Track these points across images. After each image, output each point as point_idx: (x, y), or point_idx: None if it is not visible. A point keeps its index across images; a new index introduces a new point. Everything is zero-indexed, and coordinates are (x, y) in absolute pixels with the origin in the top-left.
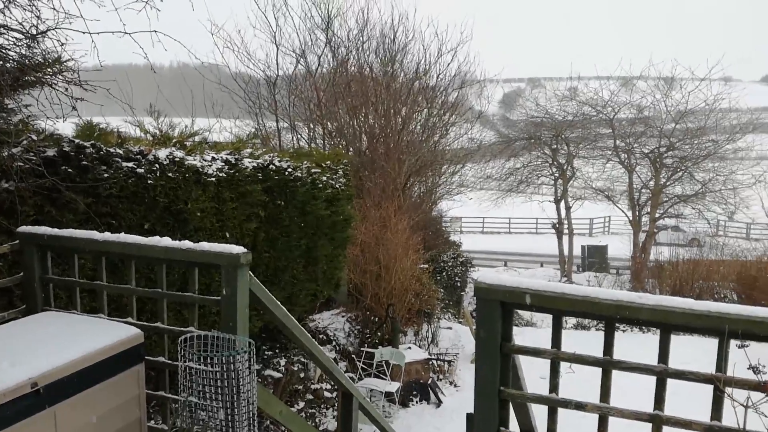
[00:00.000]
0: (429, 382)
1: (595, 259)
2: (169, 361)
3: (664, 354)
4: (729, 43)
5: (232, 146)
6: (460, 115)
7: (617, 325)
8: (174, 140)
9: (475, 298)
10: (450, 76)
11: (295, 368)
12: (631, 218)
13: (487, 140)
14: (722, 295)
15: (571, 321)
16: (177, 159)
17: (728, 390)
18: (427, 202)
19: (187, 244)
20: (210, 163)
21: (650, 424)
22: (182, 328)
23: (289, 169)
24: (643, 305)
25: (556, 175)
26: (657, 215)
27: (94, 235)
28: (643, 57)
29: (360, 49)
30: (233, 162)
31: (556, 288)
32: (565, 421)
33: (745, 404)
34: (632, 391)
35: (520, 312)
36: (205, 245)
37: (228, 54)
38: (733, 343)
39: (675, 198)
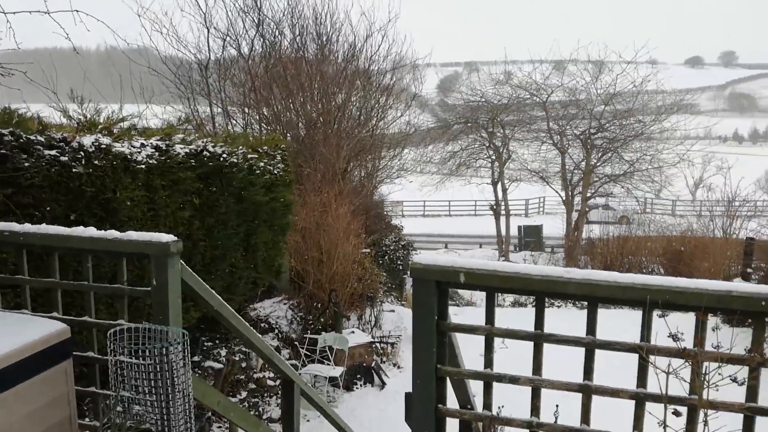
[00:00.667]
0: (373, 364)
1: (532, 238)
2: (100, 356)
3: (591, 326)
4: (655, 26)
5: (162, 132)
6: (397, 98)
7: (553, 301)
8: (100, 126)
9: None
10: (382, 58)
11: (237, 358)
12: (564, 198)
13: (425, 124)
14: (650, 269)
15: (508, 299)
16: (103, 146)
17: (652, 358)
18: (368, 187)
19: (113, 233)
20: (139, 150)
21: (581, 394)
22: (111, 322)
23: (224, 155)
24: (571, 279)
25: (493, 157)
26: (588, 194)
27: (13, 227)
28: (574, 40)
29: (291, 31)
30: (164, 148)
31: (488, 266)
32: (504, 395)
33: (666, 371)
34: (568, 364)
35: (461, 292)
36: (132, 234)
37: (157, 37)
38: (656, 313)
39: (605, 177)
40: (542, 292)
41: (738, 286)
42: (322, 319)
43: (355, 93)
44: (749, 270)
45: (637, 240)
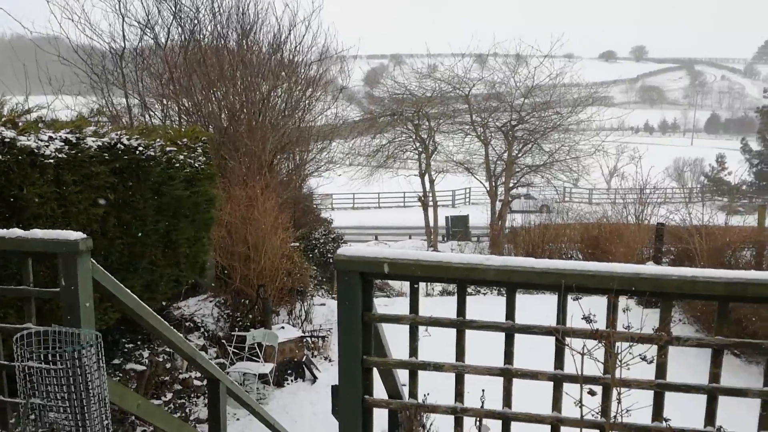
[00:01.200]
0: (304, 359)
1: (459, 228)
2: (6, 363)
3: (511, 311)
4: (570, 21)
5: (72, 125)
6: (324, 90)
7: (479, 288)
8: (3, 119)
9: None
10: (308, 49)
11: (160, 359)
12: (488, 188)
13: (353, 117)
14: (569, 255)
15: (437, 288)
16: (8, 140)
17: (568, 340)
18: (296, 180)
19: (17, 232)
20: (47, 144)
21: (502, 378)
22: (18, 326)
23: (141, 148)
24: (490, 266)
25: (420, 150)
26: (511, 185)
27: None
28: (492, 35)
29: (212, 19)
30: (74, 141)
31: (412, 255)
32: (434, 382)
33: (581, 352)
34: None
35: (391, 283)
36: (38, 232)
37: (67, 24)
38: (571, 297)
39: (526, 168)
40: (463, 280)
41: (645, 268)
42: (250, 316)
43: (280, 84)
44: (660, 254)
45: (557, 227)
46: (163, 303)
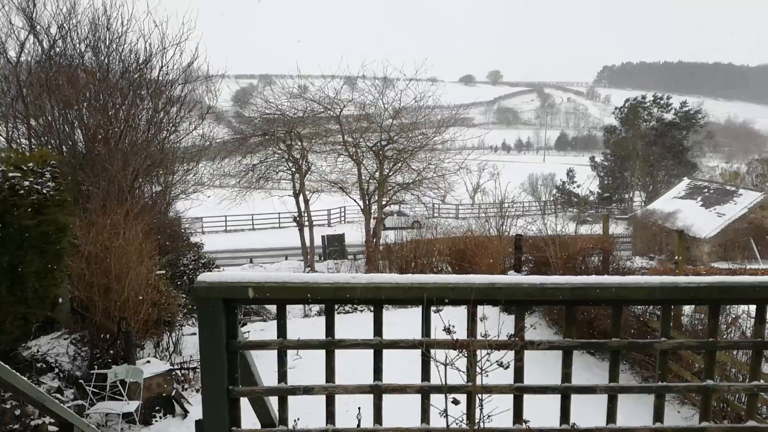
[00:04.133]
0: (173, 394)
1: (335, 247)
2: None
3: (378, 327)
4: (432, 46)
5: None
6: (189, 110)
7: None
8: None
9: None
10: (174, 69)
11: (8, 406)
12: (362, 207)
13: (222, 137)
14: (440, 268)
15: (314, 307)
16: None
17: (434, 351)
18: (162, 204)
19: None
20: None
21: (372, 395)
22: None
23: None
24: (357, 284)
25: (293, 169)
26: (384, 202)
27: None
28: (363, 57)
29: (69, 36)
30: None
31: (277, 278)
32: (311, 404)
33: (445, 362)
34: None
35: (268, 306)
36: None
37: None
38: (433, 309)
39: (397, 186)
40: (331, 300)
41: (500, 279)
42: (111, 351)
43: (142, 105)
44: (520, 263)
45: (428, 242)
46: (11, 344)
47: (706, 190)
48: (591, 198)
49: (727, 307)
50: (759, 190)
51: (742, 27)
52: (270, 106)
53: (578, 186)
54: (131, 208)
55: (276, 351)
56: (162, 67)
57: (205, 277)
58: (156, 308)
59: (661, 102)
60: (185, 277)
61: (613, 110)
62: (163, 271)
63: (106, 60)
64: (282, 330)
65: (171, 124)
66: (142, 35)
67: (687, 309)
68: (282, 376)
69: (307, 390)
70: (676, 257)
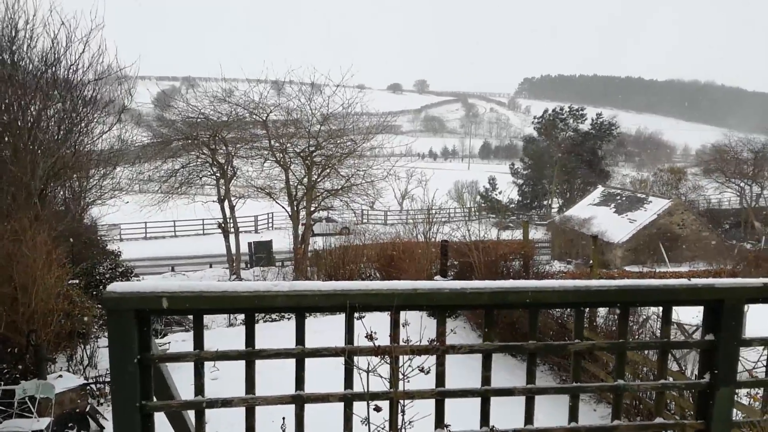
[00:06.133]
0: (87, 409)
1: (262, 254)
2: None
3: (300, 335)
4: (361, 53)
5: None
6: (104, 111)
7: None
8: None
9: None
10: (86, 68)
11: None
12: (290, 213)
13: (142, 140)
14: (368, 274)
15: (239, 316)
16: None
17: (357, 359)
18: (75, 210)
19: None
20: None
21: (294, 405)
22: None
23: None
24: (278, 292)
25: (218, 175)
26: (312, 209)
27: None
28: (289, 62)
29: None
30: None
31: (194, 287)
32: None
33: (367, 369)
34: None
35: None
36: None
37: None
38: (357, 316)
39: (325, 192)
40: (252, 309)
41: (423, 284)
42: (20, 366)
43: (52, 104)
44: (446, 268)
45: (356, 248)
46: None
47: (618, 198)
48: (512, 205)
49: (640, 309)
50: (667, 198)
51: (654, 44)
52: (193, 109)
53: (500, 193)
54: (38, 213)
55: (193, 363)
56: (72, 65)
57: (115, 287)
58: (69, 319)
59: (577, 113)
60: (101, 287)
61: (533, 120)
62: (77, 281)
63: (9, 58)
64: (199, 341)
65: (84, 124)
66: (47, 32)
67: (602, 311)
68: (199, 388)
69: (226, 402)
70: (591, 261)
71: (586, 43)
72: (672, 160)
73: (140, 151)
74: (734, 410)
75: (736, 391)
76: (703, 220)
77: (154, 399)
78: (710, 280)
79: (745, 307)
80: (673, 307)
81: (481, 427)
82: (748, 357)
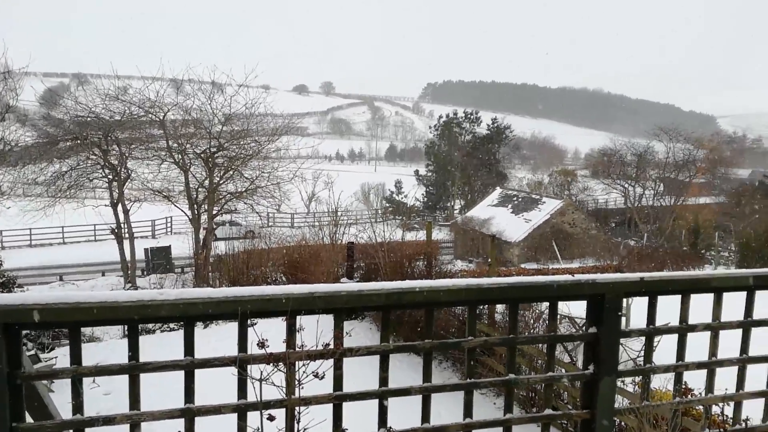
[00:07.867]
0: None
1: (160, 260)
2: None
3: (189, 347)
4: (264, 53)
5: None
6: None
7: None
8: None
9: None
10: None
11: None
12: (191, 217)
13: (26, 141)
14: (274, 279)
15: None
16: None
17: (252, 368)
18: None
19: None
20: None
21: (183, 419)
22: None
23: None
24: (164, 301)
25: (110, 177)
26: (214, 212)
27: None
28: (188, 60)
29: None
30: None
31: (70, 298)
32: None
33: (260, 378)
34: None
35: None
36: None
37: None
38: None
39: (229, 195)
40: (133, 320)
41: (319, 288)
42: None
43: None
44: (352, 269)
45: (261, 252)
46: None
47: (515, 199)
48: (417, 206)
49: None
50: (559, 198)
51: (551, 52)
52: (83, 107)
53: (405, 196)
54: None
55: (70, 380)
56: None
57: None
58: None
59: (472, 117)
60: None
61: (432, 126)
62: None
63: None
64: (76, 356)
65: None
66: None
67: (500, 308)
68: (77, 407)
69: (108, 420)
70: (489, 260)
71: (486, 51)
72: (564, 162)
73: (23, 151)
74: (619, 398)
75: (623, 380)
76: (591, 219)
77: (29, 419)
78: (592, 276)
79: (631, 300)
80: (565, 302)
81: (378, 429)
82: (635, 347)
